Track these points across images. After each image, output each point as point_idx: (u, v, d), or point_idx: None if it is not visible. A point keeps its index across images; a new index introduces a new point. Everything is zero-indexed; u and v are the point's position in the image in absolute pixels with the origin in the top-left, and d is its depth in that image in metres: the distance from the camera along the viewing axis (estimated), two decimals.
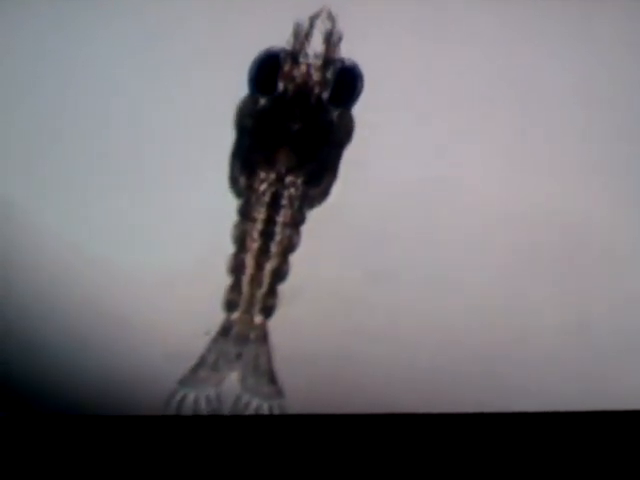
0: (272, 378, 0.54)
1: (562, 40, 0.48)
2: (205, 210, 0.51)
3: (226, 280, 0.52)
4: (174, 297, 0.52)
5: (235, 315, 0.53)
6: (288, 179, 0.50)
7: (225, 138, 0.49)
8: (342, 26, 0.46)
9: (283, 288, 0.53)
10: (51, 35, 0.47)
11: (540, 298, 0.53)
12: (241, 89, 0.48)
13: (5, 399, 0.53)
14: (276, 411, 0.55)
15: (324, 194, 0.50)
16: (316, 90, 0.48)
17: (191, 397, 0.54)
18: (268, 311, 0.53)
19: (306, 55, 0.47)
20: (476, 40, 0.48)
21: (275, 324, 0.53)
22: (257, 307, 0.53)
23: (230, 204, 0.51)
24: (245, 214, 0.51)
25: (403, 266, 0.52)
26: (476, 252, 0.52)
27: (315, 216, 0.51)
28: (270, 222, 0.51)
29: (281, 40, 0.46)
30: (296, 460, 0.53)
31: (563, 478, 0.52)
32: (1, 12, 0.47)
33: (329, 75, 0.47)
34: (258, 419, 0.55)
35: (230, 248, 0.52)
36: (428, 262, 0.52)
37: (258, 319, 0.53)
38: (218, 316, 0.53)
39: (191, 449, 0.53)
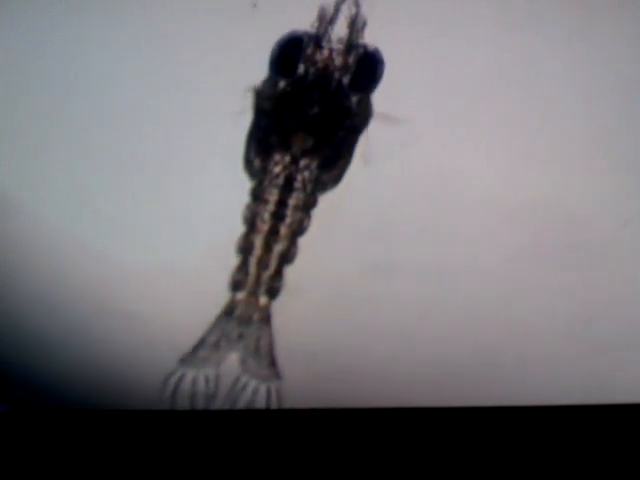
0: (272, 360, 0.54)
1: (564, 37, 0.49)
2: (209, 203, 0.51)
3: (230, 269, 0.52)
4: (177, 291, 0.52)
5: (240, 295, 0.53)
6: (303, 162, 0.50)
7: (232, 127, 0.49)
8: (367, 12, 0.46)
9: (286, 283, 0.53)
10: (51, 33, 0.47)
11: (542, 292, 0.54)
12: (262, 74, 0.48)
13: (7, 394, 0.53)
14: (273, 393, 0.55)
15: (337, 179, 0.51)
16: (337, 75, 0.48)
17: (190, 376, 0.54)
18: (273, 292, 0.53)
19: (329, 39, 0.47)
20: (486, 35, 0.48)
21: (277, 319, 0.54)
22: (263, 288, 0.53)
23: (235, 198, 0.51)
24: (257, 195, 0.51)
25: (405, 260, 0.52)
26: (478, 246, 0.53)
27: (317, 210, 0.52)
28: (282, 204, 0.51)
29: (306, 24, 0.46)
30: (296, 455, 0.53)
31: (565, 472, 0.53)
32: (1, 13, 0.46)
33: (351, 60, 0.48)
34: (258, 413, 0.55)
35: (233, 243, 0.52)
36: (430, 256, 0.53)
37: (263, 300, 0.53)
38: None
39: (191, 444, 0.53)
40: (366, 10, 0.46)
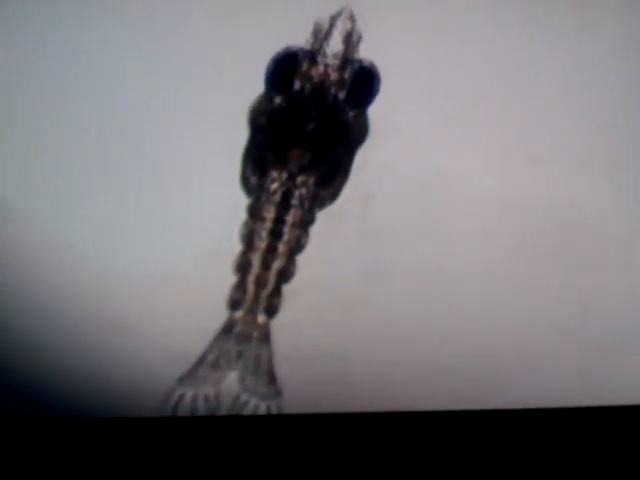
0: (272, 378, 0.54)
1: (561, 37, 0.49)
2: (206, 210, 0.50)
3: (227, 280, 0.52)
4: (174, 298, 0.52)
5: (238, 314, 0.53)
6: (300, 179, 0.50)
7: (231, 136, 0.49)
8: (362, 27, 0.46)
9: (284, 287, 0.52)
10: (52, 33, 0.47)
11: (540, 293, 0.53)
12: (258, 88, 0.47)
13: (2, 400, 0.53)
14: (274, 411, 0.55)
15: (335, 195, 0.50)
16: (333, 90, 0.48)
17: (189, 396, 0.54)
18: (272, 311, 0.53)
19: (325, 55, 0.47)
20: (482, 39, 0.48)
21: (274, 322, 0.53)
22: (261, 306, 0.53)
23: (233, 204, 0.50)
24: (254, 213, 0.50)
25: (401, 263, 0.52)
26: (475, 248, 0.52)
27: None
28: (279, 222, 0.50)
29: (301, 39, 0.46)
30: (294, 460, 0.53)
31: (563, 474, 0.53)
32: (1, 13, 0.46)
33: (346, 75, 0.47)
34: (257, 419, 0.55)
35: (231, 248, 0.51)
36: (429, 258, 0.52)
37: (261, 319, 0.53)
38: (219, 316, 0.53)
39: (189, 450, 0.53)
40: (361, 24, 0.46)
